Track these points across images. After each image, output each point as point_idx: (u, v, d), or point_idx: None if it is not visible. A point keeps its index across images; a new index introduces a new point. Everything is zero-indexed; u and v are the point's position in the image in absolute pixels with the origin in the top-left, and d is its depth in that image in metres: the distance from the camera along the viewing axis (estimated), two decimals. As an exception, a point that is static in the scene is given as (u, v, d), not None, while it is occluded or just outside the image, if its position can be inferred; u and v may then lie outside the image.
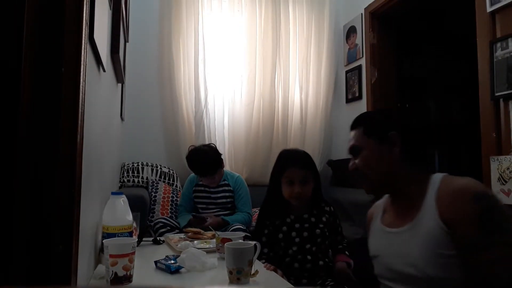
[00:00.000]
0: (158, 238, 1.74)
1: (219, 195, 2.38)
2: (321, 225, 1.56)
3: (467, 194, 0.88)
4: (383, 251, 1.06)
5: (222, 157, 2.41)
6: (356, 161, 1.08)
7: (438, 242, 0.90)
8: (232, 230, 2.05)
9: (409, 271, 0.95)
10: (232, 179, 2.42)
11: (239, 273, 1.08)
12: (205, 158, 2.29)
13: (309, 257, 1.52)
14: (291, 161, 1.58)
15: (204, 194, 2.39)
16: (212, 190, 2.38)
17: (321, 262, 1.53)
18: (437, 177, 0.98)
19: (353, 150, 1.10)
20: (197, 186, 2.41)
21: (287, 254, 1.52)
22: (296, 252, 1.52)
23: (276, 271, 1.32)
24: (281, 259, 1.53)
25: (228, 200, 2.38)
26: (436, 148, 3.90)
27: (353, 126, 1.13)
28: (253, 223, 2.52)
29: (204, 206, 2.38)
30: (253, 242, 1.17)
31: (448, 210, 0.90)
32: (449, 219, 0.89)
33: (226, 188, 2.39)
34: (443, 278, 0.89)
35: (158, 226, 2.19)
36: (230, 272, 1.09)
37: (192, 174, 2.46)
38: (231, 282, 1.08)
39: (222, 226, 2.17)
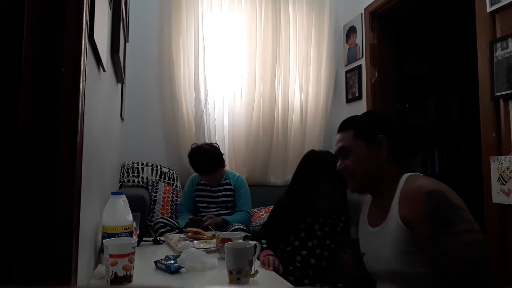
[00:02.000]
0: (158, 238, 1.74)
1: (220, 193, 2.40)
2: (341, 224, 1.56)
3: (418, 194, 0.96)
4: (367, 249, 1.15)
5: (223, 157, 2.42)
6: (346, 161, 1.16)
7: (401, 241, 0.99)
8: (232, 230, 2.06)
9: (382, 268, 1.06)
10: (233, 179, 2.44)
11: (239, 273, 1.08)
12: (206, 156, 2.31)
13: (326, 253, 1.51)
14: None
15: (205, 193, 2.40)
16: (213, 189, 2.40)
17: (332, 261, 1.53)
18: (404, 177, 1.06)
19: (343, 151, 1.18)
20: (199, 185, 2.43)
21: (305, 247, 1.50)
22: (316, 246, 1.50)
23: (276, 271, 1.32)
24: (297, 251, 1.50)
25: (229, 199, 2.40)
26: (419, 149, 3.88)
27: (342, 129, 1.21)
28: (253, 223, 2.52)
29: (205, 204, 2.39)
30: (253, 242, 1.17)
31: (405, 211, 0.99)
32: (407, 219, 0.98)
33: (227, 187, 2.41)
34: (409, 272, 0.98)
35: (158, 226, 2.19)
36: (230, 272, 1.09)
37: (194, 174, 2.47)
38: (231, 282, 1.08)
39: (222, 226, 2.17)
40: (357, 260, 1.54)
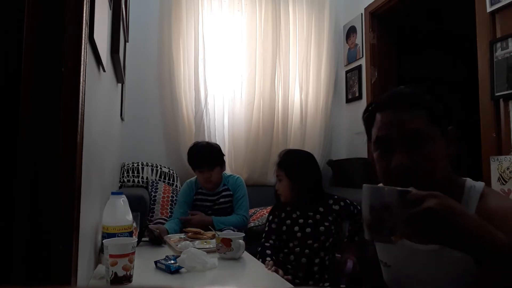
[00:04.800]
0: (158, 237, 1.72)
1: (219, 201, 2.26)
2: (326, 223, 1.59)
3: None
4: (397, 263, 0.90)
5: (224, 158, 2.29)
6: (417, 154, 0.77)
7: (465, 272, 0.73)
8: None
9: None
10: (232, 181, 2.31)
11: (379, 222, 0.69)
12: (205, 148, 2.21)
13: (307, 251, 1.56)
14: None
15: (202, 203, 2.26)
16: (211, 198, 2.26)
17: (316, 260, 1.55)
18: (474, 187, 0.80)
19: (414, 137, 0.78)
20: (197, 194, 2.27)
21: (286, 246, 1.59)
22: (296, 245, 1.58)
23: (277, 272, 1.32)
24: (281, 250, 1.60)
25: (228, 205, 2.27)
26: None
27: (404, 105, 0.81)
28: (253, 223, 2.52)
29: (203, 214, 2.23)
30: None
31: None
32: None
33: (225, 193, 2.27)
34: None
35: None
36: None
37: (189, 180, 2.31)
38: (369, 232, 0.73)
39: (208, 226, 2.01)
40: (364, 264, 1.54)
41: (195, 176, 2.28)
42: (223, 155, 2.27)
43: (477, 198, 0.78)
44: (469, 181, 0.83)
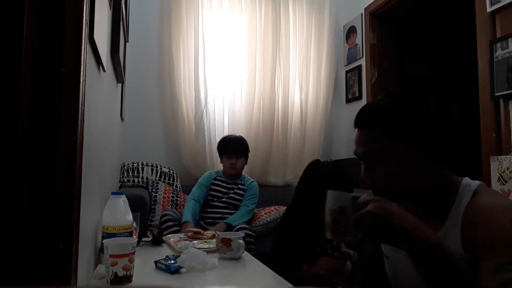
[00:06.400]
0: (158, 237, 1.73)
1: (233, 191, 2.50)
2: None
3: (505, 214, 0.71)
4: (395, 255, 0.93)
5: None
6: (376, 172, 0.83)
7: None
8: (236, 230, 2.11)
9: (413, 286, 0.83)
10: (247, 181, 2.57)
11: (335, 223, 0.76)
12: (240, 138, 2.59)
13: (336, 253, 1.58)
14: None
15: (218, 188, 2.51)
16: (227, 186, 2.51)
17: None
18: (469, 185, 0.82)
19: (369, 157, 0.84)
20: (215, 180, 2.54)
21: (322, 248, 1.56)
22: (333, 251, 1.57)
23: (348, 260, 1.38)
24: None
25: (239, 197, 2.49)
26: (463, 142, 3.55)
27: (364, 124, 0.86)
28: (254, 223, 2.52)
29: (216, 198, 2.48)
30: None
31: (472, 232, 0.74)
32: (472, 242, 0.73)
33: (240, 186, 2.53)
34: None
35: (165, 219, 2.21)
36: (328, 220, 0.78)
37: (212, 170, 2.64)
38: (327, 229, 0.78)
39: (226, 229, 2.19)
40: (362, 261, 1.55)
41: (216, 170, 2.64)
42: (249, 151, 2.60)
43: (470, 195, 0.80)
44: (466, 179, 0.85)
